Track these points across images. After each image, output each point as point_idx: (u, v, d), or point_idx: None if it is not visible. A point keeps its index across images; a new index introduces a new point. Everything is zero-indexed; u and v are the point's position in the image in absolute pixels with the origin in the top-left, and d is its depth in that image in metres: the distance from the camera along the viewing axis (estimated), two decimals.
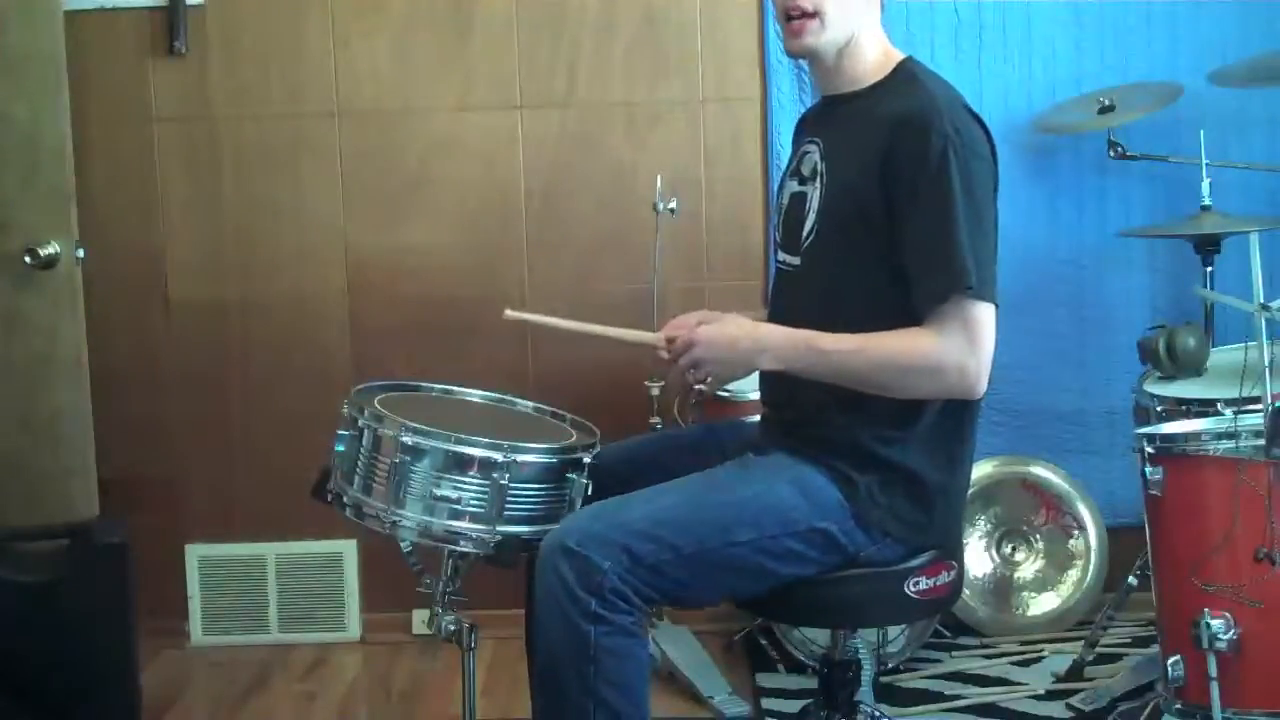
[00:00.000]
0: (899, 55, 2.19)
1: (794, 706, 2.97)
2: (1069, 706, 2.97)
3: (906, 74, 2.15)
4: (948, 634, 3.36)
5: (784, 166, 3.36)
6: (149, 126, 3.52)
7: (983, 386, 2.05)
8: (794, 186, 2.25)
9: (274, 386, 3.57)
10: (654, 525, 2.00)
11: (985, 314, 2.03)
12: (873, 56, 2.17)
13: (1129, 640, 3.28)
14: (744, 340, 2.12)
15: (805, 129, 2.34)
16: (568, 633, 1.95)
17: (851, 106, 2.18)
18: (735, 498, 2.08)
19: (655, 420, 3.20)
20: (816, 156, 2.20)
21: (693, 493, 2.09)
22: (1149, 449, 2.50)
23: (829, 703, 2.27)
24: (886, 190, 2.05)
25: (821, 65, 2.19)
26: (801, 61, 3.18)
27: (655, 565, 1.99)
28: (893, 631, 3.10)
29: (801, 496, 2.07)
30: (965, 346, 2.01)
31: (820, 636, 3.01)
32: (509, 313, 2.28)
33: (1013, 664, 3.24)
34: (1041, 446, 3.49)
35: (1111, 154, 3.27)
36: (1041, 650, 3.29)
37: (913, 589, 2.13)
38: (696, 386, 2.21)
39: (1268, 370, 2.30)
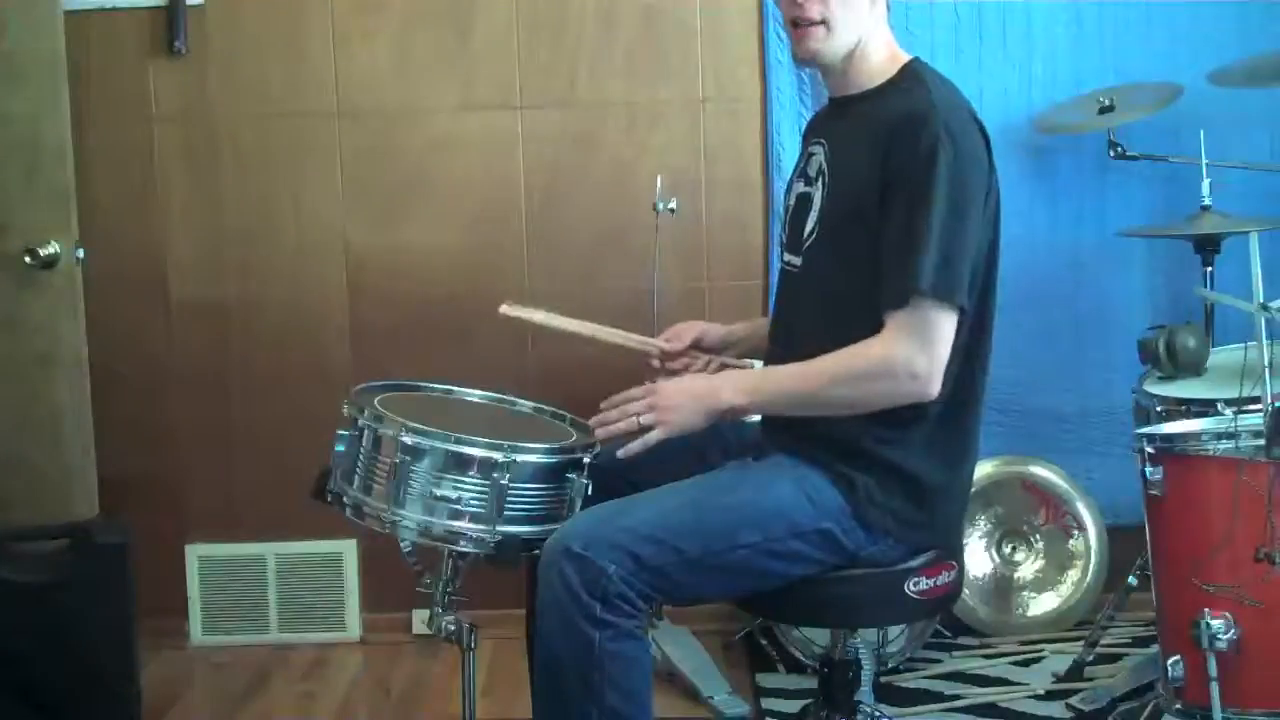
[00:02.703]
0: (905, 57, 2.19)
1: (794, 706, 2.97)
2: (1069, 706, 2.97)
3: (911, 76, 2.15)
4: (948, 634, 3.36)
5: (783, 166, 3.43)
6: (149, 126, 3.52)
7: (935, 389, 2.03)
8: (800, 187, 2.26)
9: (274, 386, 3.57)
10: (658, 529, 2.00)
11: (941, 317, 2.02)
12: (878, 59, 2.18)
13: (1129, 640, 3.28)
14: (699, 383, 2.17)
15: (813, 130, 2.35)
16: (571, 637, 1.95)
17: (856, 108, 2.18)
18: (738, 500, 2.08)
19: None
20: (821, 158, 2.21)
21: (696, 496, 2.09)
22: (1149, 449, 2.50)
23: (829, 703, 2.27)
24: (882, 191, 2.06)
25: (829, 69, 2.20)
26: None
27: (659, 568, 1.99)
28: (893, 631, 3.10)
29: (804, 498, 2.08)
30: (915, 348, 2.01)
31: (820, 636, 3.01)
32: (505, 308, 2.28)
33: (1013, 664, 3.24)
34: (1041, 446, 3.49)
35: (1111, 154, 3.27)
36: (1041, 650, 3.29)
37: (913, 589, 2.13)
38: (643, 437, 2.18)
39: (1268, 370, 2.30)
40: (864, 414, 2.08)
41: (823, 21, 2.11)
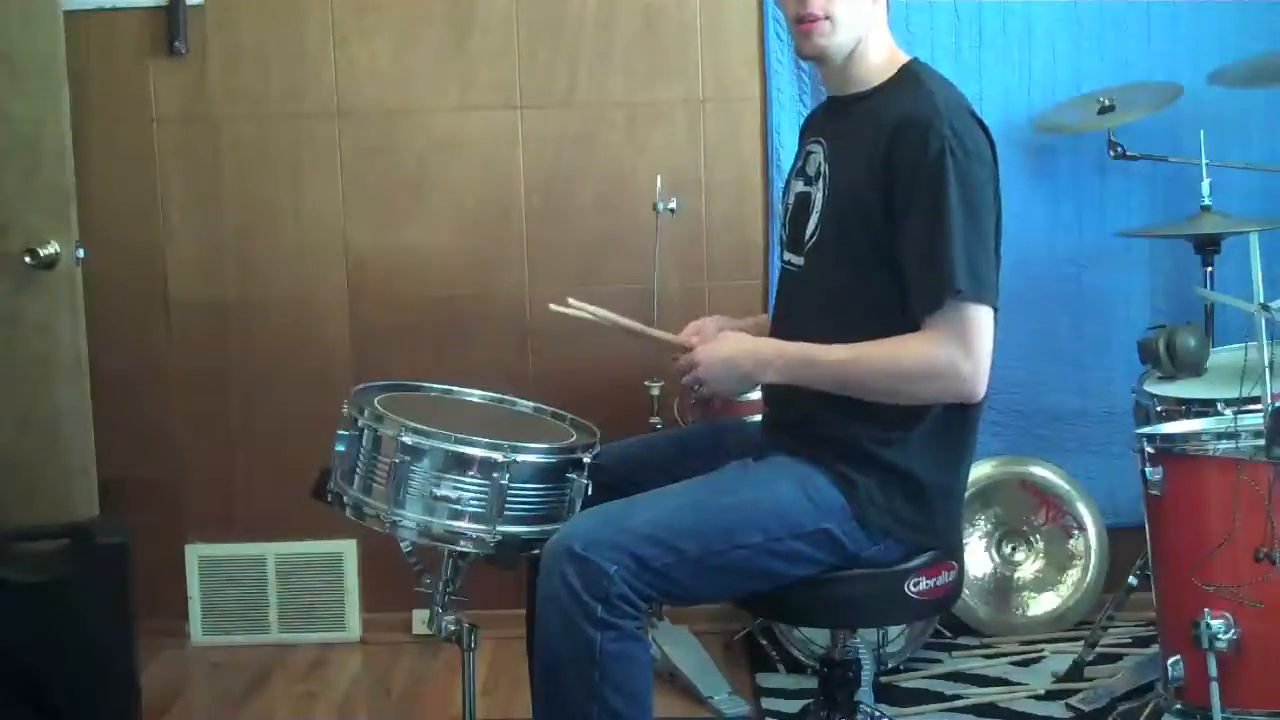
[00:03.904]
0: (904, 57, 2.20)
1: (794, 706, 2.97)
2: (1069, 706, 2.97)
3: (910, 76, 2.15)
4: (948, 634, 3.36)
5: (783, 166, 3.43)
6: (149, 126, 3.52)
7: (981, 390, 2.05)
8: (799, 187, 2.26)
9: (274, 386, 3.57)
10: (659, 529, 2.00)
11: (981, 317, 2.02)
12: (878, 58, 2.18)
13: (1129, 640, 3.28)
14: (743, 360, 2.14)
15: (811, 129, 2.35)
16: (572, 637, 1.95)
17: (856, 108, 2.18)
18: (739, 500, 2.08)
19: (655, 420, 3.20)
20: (820, 157, 2.21)
21: (697, 496, 2.09)
22: (1149, 449, 2.50)
23: (829, 703, 2.27)
24: (886, 192, 2.06)
25: (829, 67, 2.21)
26: (803, 62, 3.20)
27: (661, 569, 1.99)
28: (893, 631, 3.10)
29: (804, 498, 2.08)
30: (960, 350, 2.01)
31: (820, 636, 3.01)
32: (554, 307, 2.28)
33: (1013, 664, 3.24)
34: (1041, 446, 3.49)
35: (1111, 154, 3.27)
36: (1041, 650, 3.29)
37: (913, 589, 2.13)
38: (700, 397, 2.24)
39: (1268, 370, 2.30)
40: (865, 416, 2.08)
41: (827, 16, 2.12)
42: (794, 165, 2.33)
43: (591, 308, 2.27)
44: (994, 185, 2.11)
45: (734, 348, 2.16)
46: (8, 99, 2.96)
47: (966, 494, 2.29)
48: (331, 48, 3.51)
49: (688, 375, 2.16)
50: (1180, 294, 3.42)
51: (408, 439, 2.08)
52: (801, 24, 2.14)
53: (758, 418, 2.38)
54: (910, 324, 2.05)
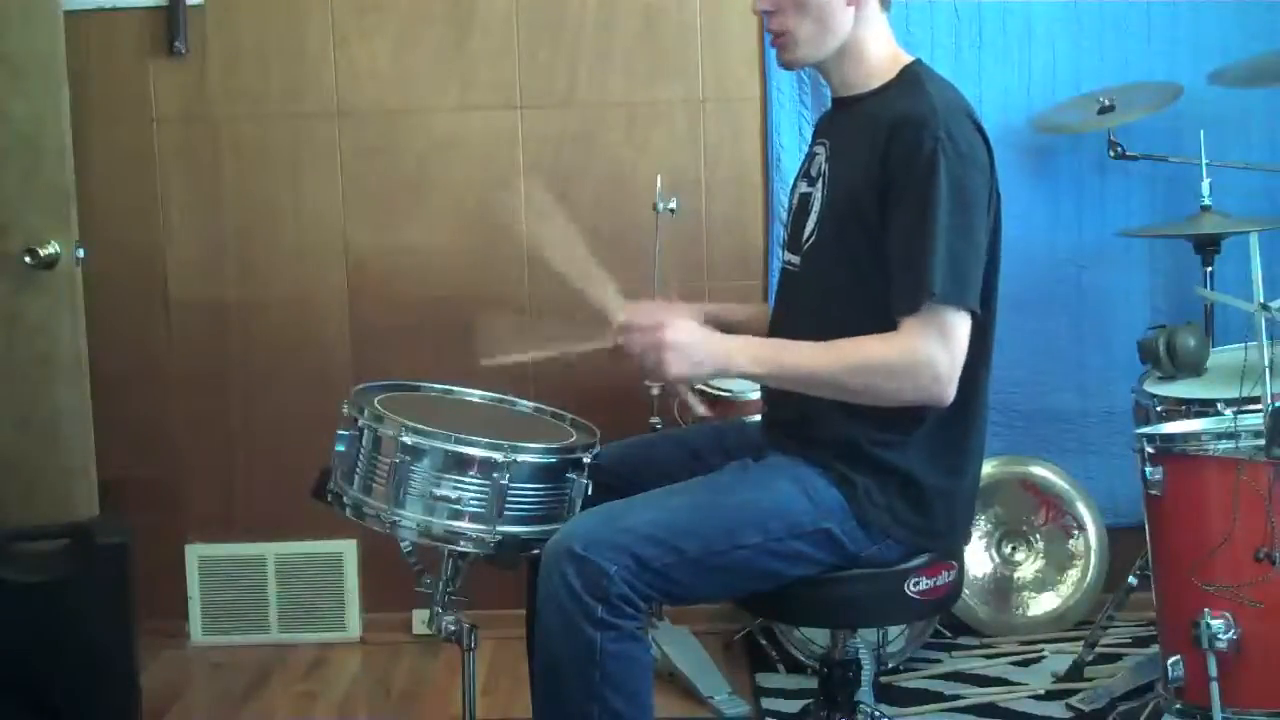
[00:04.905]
0: (906, 58, 2.19)
1: (794, 706, 2.97)
2: (1069, 706, 2.97)
3: (911, 77, 2.15)
4: (948, 634, 3.36)
5: (784, 166, 3.43)
6: (149, 126, 3.52)
7: (951, 393, 2.01)
8: (803, 187, 2.27)
9: (274, 386, 3.57)
10: (659, 529, 2.00)
11: (958, 320, 2.00)
12: (877, 60, 2.18)
13: (1129, 640, 3.28)
14: (715, 339, 2.07)
15: (818, 131, 2.36)
16: (572, 637, 1.94)
17: (856, 109, 2.19)
18: (739, 500, 2.08)
19: (655, 420, 3.21)
20: (823, 158, 2.22)
21: (697, 496, 2.09)
22: (1149, 449, 2.50)
23: (829, 703, 2.27)
24: (882, 191, 2.05)
25: (823, 71, 2.22)
26: None
27: (661, 569, 1.99)
28: (893, 631, 3.10)
29: (804, 498, 2.08)
30: (936, 350, 1.99)
31: (820, 636, 3.01)
32: (486, 362, 2.24)
33: (1013, 664, 3.24)
34: (1041, 446, 3.49)
35: (1111, 154, 3.27)
36: (1041, 650, 3.29)
37: (913, 589, 2.13)
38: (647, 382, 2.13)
39: (1268, 370, 2.30)
40: (864, 416, 2.07)
41: (784, 33, 2.15)
42: (801, 166, 2.33)
43: (516, 356, 2.22)
44: (989, 191, 2.09)
45: (703, 349, 2.06)
46: (8, 99, 2.96)
47: None
48: (331, 48, 3.51)
49: (649, 355, 2.04)
50: (1180, 294, 3.42)
51: (408, 439, 2.08)
52: (772, 40, 2.20)
53: (757, 418, 2.38)
54: None
